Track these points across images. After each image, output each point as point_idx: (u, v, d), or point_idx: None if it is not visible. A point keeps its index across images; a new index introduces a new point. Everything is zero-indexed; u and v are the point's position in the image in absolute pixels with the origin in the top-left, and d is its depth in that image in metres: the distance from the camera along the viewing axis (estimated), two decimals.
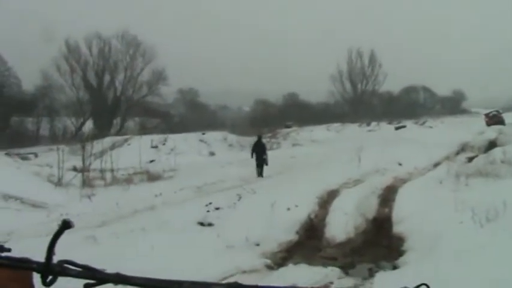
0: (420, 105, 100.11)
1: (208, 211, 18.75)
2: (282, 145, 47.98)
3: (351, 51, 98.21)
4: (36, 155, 50.60)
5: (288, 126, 64.42)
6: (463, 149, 37.85)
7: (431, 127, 58.36)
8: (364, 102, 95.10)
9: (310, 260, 15.81)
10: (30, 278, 1.57)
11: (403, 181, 23.73)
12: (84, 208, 21.29)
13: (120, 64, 77.39)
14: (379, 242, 17.56)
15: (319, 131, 58.40)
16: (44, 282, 1.48)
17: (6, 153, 31.49)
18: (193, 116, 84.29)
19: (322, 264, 15.03)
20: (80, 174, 29.52)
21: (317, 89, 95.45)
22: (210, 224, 17.61)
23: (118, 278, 1.52)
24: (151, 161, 40.11)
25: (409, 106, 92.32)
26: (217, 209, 19.08)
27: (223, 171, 31.35)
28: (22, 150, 53.37)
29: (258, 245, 16.51)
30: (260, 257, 15.61)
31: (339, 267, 14.84)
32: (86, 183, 28.40)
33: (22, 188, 22.24)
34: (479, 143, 39.37)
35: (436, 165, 29.95)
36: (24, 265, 1.49)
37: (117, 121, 77.25)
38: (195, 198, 22.53)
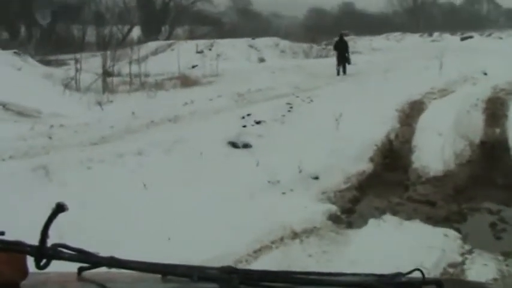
0: (483, 17, 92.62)
1: (244, 126, 12.59)
2: None
3: None
4: (76, 61, 45.09)
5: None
6: None
7: (501, 38, 51.43)
8: (424, 12, 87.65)
9: (395, 205, 9.95)
10: (24, 261, 1.44)
11: (507, 92, 17.23)
12: (89, 118, 15.68)
13: None
14: (493, 178, 11.54)
15: (378, 40, 52.13)
16: (37, 266, 1.40)
17: (15, 52, 25.60)
18: (245, 23, 77.77)
19: (420, 217, 9.18)
20: (101, 79, 23.75)
21: None
22: (246, 146, 11.58)
23: (112, 262, 1.45)
24: (194, 66, 34.53)
25: (471, 18, 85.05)
26: (258, 123, 12.94)
27: (273, 77, 25.19)
28: (66, 56, 48.37)
29: (316, 178, 10.71)
30: (320, 199, 9.80)
31: (443, 221, 8.99)
32: (109, 88, 22.64)
33: (12, 93, 16.40)
34: None
35: None
36: (18, 248, 1.40)
37: (165, 28, 71.09)
38: (234, 108, 16.47)
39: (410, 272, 1.48)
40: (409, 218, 9.20)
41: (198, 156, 10.49)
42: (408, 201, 10.45)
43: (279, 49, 44.28)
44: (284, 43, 45.98)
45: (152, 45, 45.99)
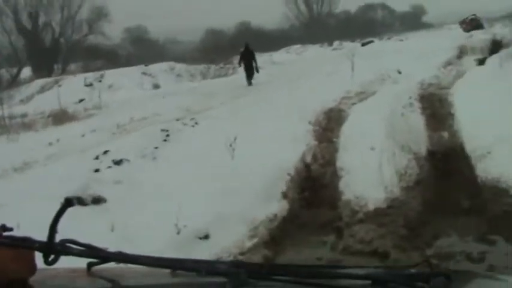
0: (379, 23, 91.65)
1: (97, 170, 8.57)
2: (238, 71, 39.40)
3: None
4: None
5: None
6: (461, 52, 28.27)
7: (401, 40, 49.87)
8: (321, 23, 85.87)
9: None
10: (33, 257, 1.36)
11: (440, 87, 13.85)
12: None
13: (56, 3, 65.84)
14: (455, 201, 8.04)
15: (278, 55, 49.44)
16: (46, 262, 1.33)
17: None
18: (142, 52, 73.93)
19: None
20: None
21: (271, 15, 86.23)
22: (96, 201, 7.21)
23: (121, 257, 1.40)
24: (81, 101, 31.17)
25: (367, 25, 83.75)
26: (117, 163, 8.88)
27: (163, 102, 21.55)
28: None
29: (205, 237, 6.91)
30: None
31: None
32: None
33: None
34: (478, 44, 30.03)
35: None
36: (26, 244, 1.34)
37: (58, 66, 66.44)
38: (107, 142, 12.45)
39: (418, 264, 1.44)
40: None
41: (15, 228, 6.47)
42: (346, 255, 6.80)
43: (174, 73, 41.01)
44: (180, 66, 42.66)
45: (39, 83, 42.16)
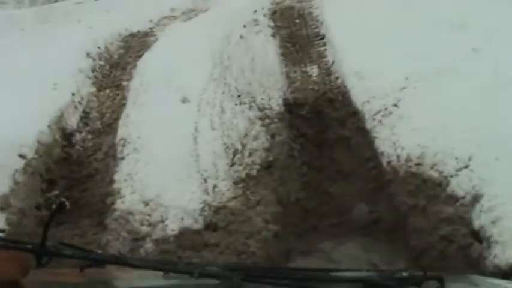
0: None
1: None
2: None
3: None
4: None
5: None
6: None
7: None
8: None
9: None
10: (26, 259, 1.33)
11: None
12: None
13: None
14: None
15: None
16: (39, 263, 1.31)
17: None
18: None
19: None
20: None
21: None
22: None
23: (114, 259, 1.48)
24: None
25: None
26: None
27: None
28: None
29: None
30: None
31: None
32: None
33: None
34: None
35: None
36: (19, 246, 1.33)
37: None
38: None
39: (411, 268, 1.45)
40: None
41: None
42: None
43: None
44: None
45: None
